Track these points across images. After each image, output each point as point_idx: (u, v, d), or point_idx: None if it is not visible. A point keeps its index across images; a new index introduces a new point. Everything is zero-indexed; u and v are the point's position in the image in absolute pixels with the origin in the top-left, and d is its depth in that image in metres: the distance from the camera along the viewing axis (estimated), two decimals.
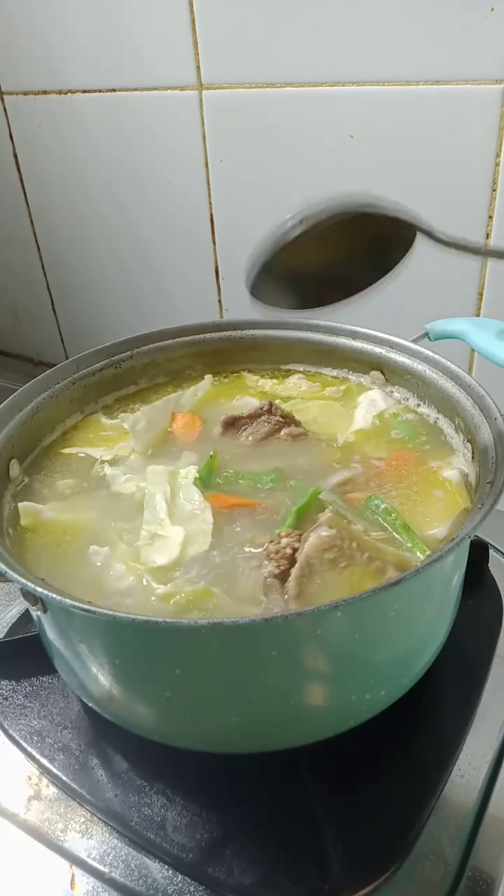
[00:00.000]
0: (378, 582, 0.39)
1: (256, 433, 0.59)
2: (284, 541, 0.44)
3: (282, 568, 0.43)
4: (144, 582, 0.46)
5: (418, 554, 0.45)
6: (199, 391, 0.65)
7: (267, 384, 0.67)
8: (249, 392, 0.66)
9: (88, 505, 0.53)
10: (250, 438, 0.59)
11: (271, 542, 0.46)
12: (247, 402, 0.64)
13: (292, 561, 0.43)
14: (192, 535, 0.49)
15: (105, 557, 0.48)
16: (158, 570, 0.46)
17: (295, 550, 0.44)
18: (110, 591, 0.46)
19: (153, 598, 0.44)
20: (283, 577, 0.43)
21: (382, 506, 0.49)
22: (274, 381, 0.68)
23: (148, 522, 0.50)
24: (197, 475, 0.53)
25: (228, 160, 0.80)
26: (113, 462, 0.57)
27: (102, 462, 0.57)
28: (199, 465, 0.54)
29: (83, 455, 0.59)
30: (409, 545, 0.46)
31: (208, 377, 0.67)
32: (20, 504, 0.52)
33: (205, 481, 0.53)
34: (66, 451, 0.60)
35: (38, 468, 0.58)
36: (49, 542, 0.50)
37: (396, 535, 0.47)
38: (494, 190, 0.67)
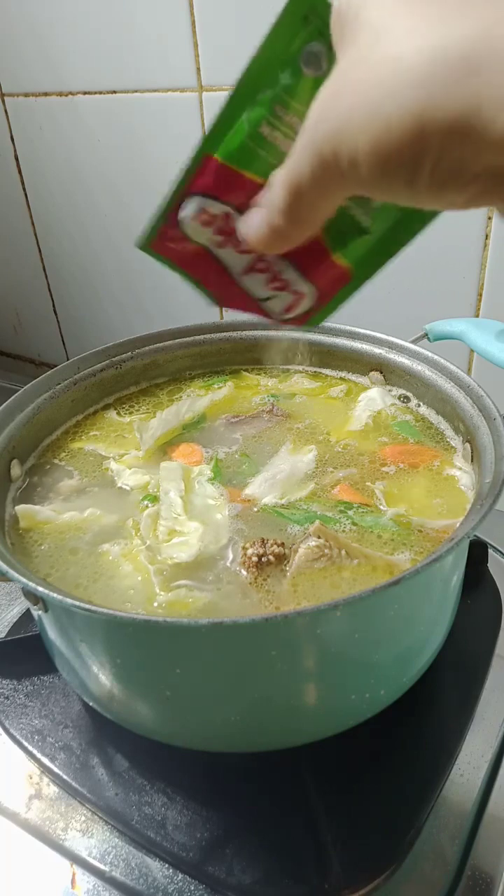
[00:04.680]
0: (369, 586, 0.39)
1: (256, 427, 0.61)
2: (250, 551, 0.46)
3: (254, 575, 0.45)
4: (153, 581, 0.46)
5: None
6: (217, 396, 0.65)
7: (269, 383, 0.68)
8: (261, 393, 0.66)
9: (92, 502, 0.53)
10: (246, 437, 0.60)
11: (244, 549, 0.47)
12: (257, 402, 0.65)
13: (259, 566, 0.45)
14: (209, 528, 0.49)
15: (115, 556, 0.48)
16: (175, 568, 0.46)
17: (260, 556, 0.45)
18: (117, 590, 0.46)
19: (160, 594, 0.45)
20: (258, 584, 0.45)
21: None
22: (276, 379, 0.68)
23: (164, 518, 0.50)
24: (211, 473, 0.54)
25: None
26: (119, 460, 0.58)
27: (108, 458, 0.58)
28: (207, 464, 0.55)
29: (89, 451, 0.59)
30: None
31: (230, 384, 0.67)
32: (17, 508, 0.52)
33: (217, 478, 0.54)
34: (70, 448, 0.60)
35: (40, 468, 0.58)
36: (51, 542, 0.50)
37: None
38: None
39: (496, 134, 0.21)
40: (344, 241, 0.35)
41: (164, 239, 0.36)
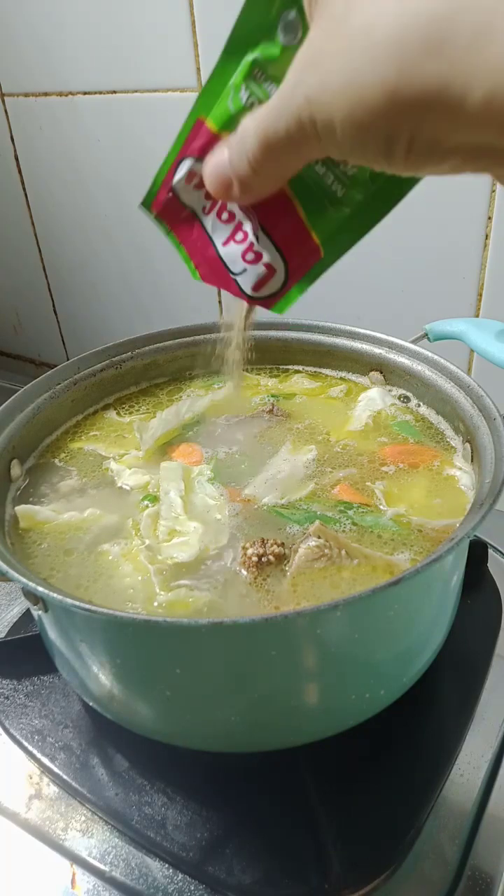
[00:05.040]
0: (369, 586, 0.39)
1: (256, 427, 0.60)
2: (250, 551, 0.46)
3: (254, 575, 0.45)
4: (153, 581, 0.46)
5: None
6: (217, 396, 0.65)
7: (269, 383, 0.68)
8: (261, 393, 0.67)
9: (92, 502, 0.53)
10: (246, 437, 0.59)
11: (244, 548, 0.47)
12: (257, 402, 0.65)
13: (259, 566, 0.45)
14: (209, 528, 0.49)
15: (115, 556, 0.48)
16: (175, 567, 0.46)
17: (260, 556, 0.45)
18: (118, 590, 0.46)
19: (160, 594, 0.45)
20: (258, 584, 0.45)
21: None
22: (276, 379, 0.68)
23: (164, 518, 0.50)
24: (211, 473, 0.54)
25: None
26: (119, 460, 0.58)
27: (108, 458, 0.58)
28: (207, 464, 0.56)
29: (89, 451, 0.59)
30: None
31: (230, 384, 0.67)
32: (17, 508, 0.52)
33: (217, 478, 0.54)
34: (70, 449, 0.60)
35: (40, 468, 0.58)
36: (51, 542, 0.50)
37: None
38: (493, 191, 0.67)
39: (467, 112, 0.21)
40: (319, 212, 0.35)
41: (161, 201, 0.38)
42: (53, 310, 1.12)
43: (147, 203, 0.39)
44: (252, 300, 0.39)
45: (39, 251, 1.06)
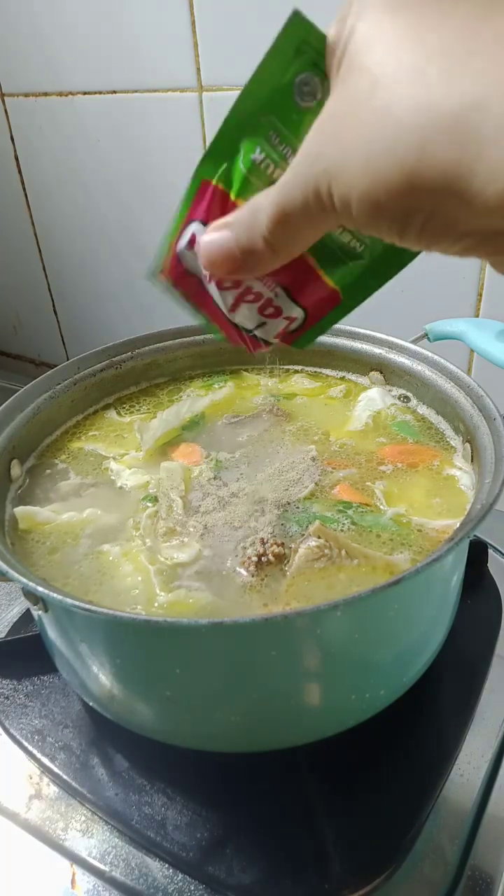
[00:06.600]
0: (368, 586, 0.39)
1: (256, 427, 0.60)
2: (249, 550, 0.46)
3: (253, 574, 0.45)
4: (153, 581, 0.46)
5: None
6: (217, 396, 0.65)
7: (269, 383, 0.68)
8: (261, 393, 0.67)
9: (92, 502, 0.53)
10: (246, 437, 0.60)
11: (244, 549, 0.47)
12: (257, 402, 0.65)
13: (259, 566, 0.45)
14: (210, 528, 0.49)
15: (115, 556, 0.48)
16: (175, 568, 0.46)
17: (260, 556, 0.45)
18: (118, 591, 0.46)
19: (160, 594, 0.45)
20: (258, 584, 0.45)
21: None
22: (276, 379, 0.68)
23: (164, 518, 0.50)
24: (211, 473, 0.54)
25: None
26: (119, 460, 0.58)
27: (108, 458, 0.58)
28: (207, 464, 0.56)
29: (89, 451, 0.59)
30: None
31: (230, 384, 0.67)
32: (17, 509, 0.52)
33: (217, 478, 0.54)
34: (70, 449, 0.60)
35: (40, 468, 0.58)
36: (51, 542, 0.50)
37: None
38: None
39: (484, 201, 0.21)
40: (335, 265, 0.35)
41: (170, 270, 0.36)
42: (53, 310, 1.12)
43: (155, 271, 0.37)
44: (269, 344, 0.38)
45: (39, 251, 1.06)
